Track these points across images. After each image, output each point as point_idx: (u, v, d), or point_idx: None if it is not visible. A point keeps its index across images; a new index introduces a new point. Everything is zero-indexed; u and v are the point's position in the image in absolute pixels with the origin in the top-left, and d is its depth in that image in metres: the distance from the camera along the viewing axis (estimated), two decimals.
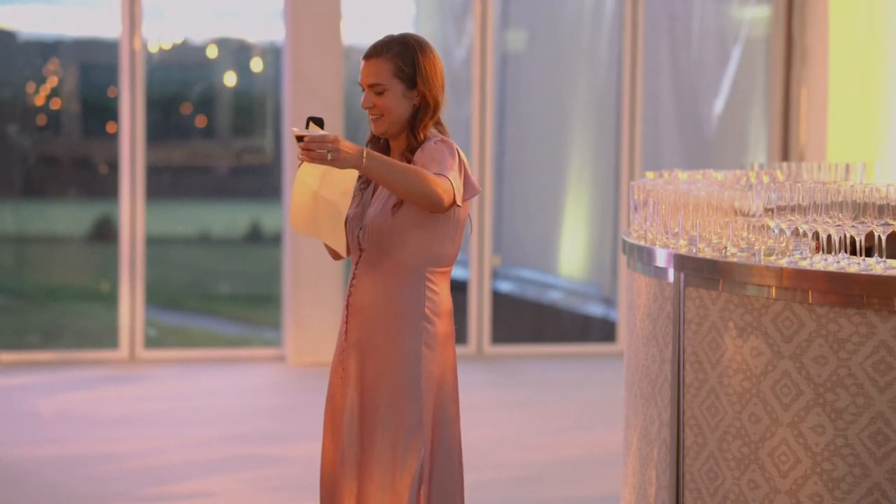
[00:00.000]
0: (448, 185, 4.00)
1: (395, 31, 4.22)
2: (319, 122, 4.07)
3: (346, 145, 3.89)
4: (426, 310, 4.18)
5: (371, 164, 3.91)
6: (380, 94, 4.13)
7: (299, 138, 3.87)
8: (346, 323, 4.26)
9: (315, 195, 4.17)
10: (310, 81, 10.00)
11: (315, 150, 3.87)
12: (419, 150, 4.14)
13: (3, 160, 10.52)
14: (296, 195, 4.19)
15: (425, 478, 4.21)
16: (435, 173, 4.00)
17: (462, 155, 4.13)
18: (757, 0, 11.13)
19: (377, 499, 4.20)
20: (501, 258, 11.27)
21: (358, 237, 4.23)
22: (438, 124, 4.21)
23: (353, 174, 4.18)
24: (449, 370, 4.25)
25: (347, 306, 4.27)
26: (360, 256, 4.24)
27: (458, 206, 4.14)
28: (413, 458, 4.17)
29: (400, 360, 4.16)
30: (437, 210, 4.02)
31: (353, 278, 4.26)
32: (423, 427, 4.17)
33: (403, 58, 4.13)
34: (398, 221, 4.14)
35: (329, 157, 3.87)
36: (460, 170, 4.09)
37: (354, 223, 4.25)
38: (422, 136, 4.16)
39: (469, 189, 4.14)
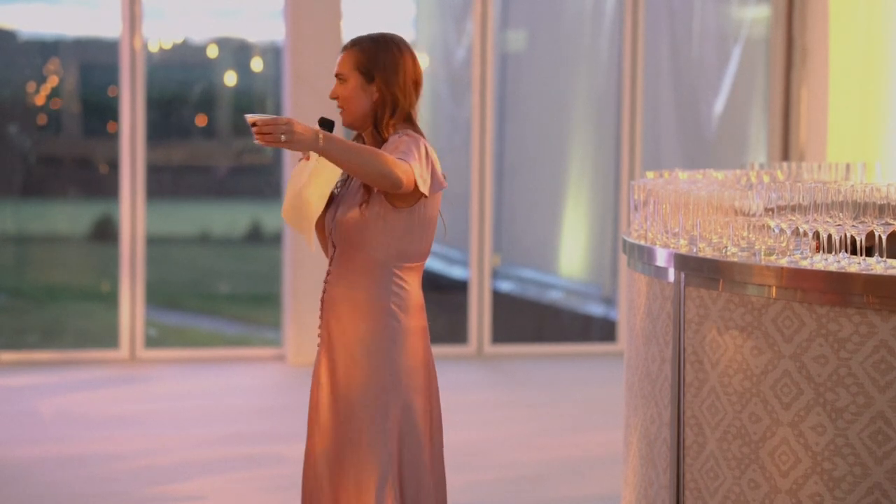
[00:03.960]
0: (409, 168, 4.04)
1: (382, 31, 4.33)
2: (330, 125, 4.18)
3: (301, 127, 3.94)
4: (392, 305, 4.23)
5: (328, 146, 3.97)
6: (342, 84, 4.25)
7: (253, 124, 3.95)
8: (321, 319, 4.32)
9: (299, 193, 4.26)
10: (310, 81, 10.00)
11: (270, 133, 3.92)
12: (384, 145, 4.20)
13: (4, 160, 10.52)
14: (287, 189, 4.33)
15: (394, 475, 4.22)
16: (398, 158, 4.06)
17: (430, 150, 4.17)
18: (757, 0, 11.13)
19: (345, 498, 4.22)
20: (501, 258, 11.27)
21: (331, 234, 4.31)
22: (411, 125, 4.26)
23: (336, 178, 4.28)
24: (420, 366, 4.27)
25: (322, 303, 4.33)
26: (333, 253, 4.31)
27: (424, 196, 4.18)
28: (375, 457, 4.19)
29: (364, 356, 4.21)
30: (396, 190, 4.05)
31: (327, 275, 4.32)
32: (387, 424, 4.20)
33: (367, 52, 4.22)
34: (365, 217, 4.19)
35: (283, 138, 3.92)
36: (427, 163, 4.13)
37: (328, 221, 4.32)
38: (386, 133, 4.23)
39: (436, 183, 4.18)
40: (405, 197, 4.15)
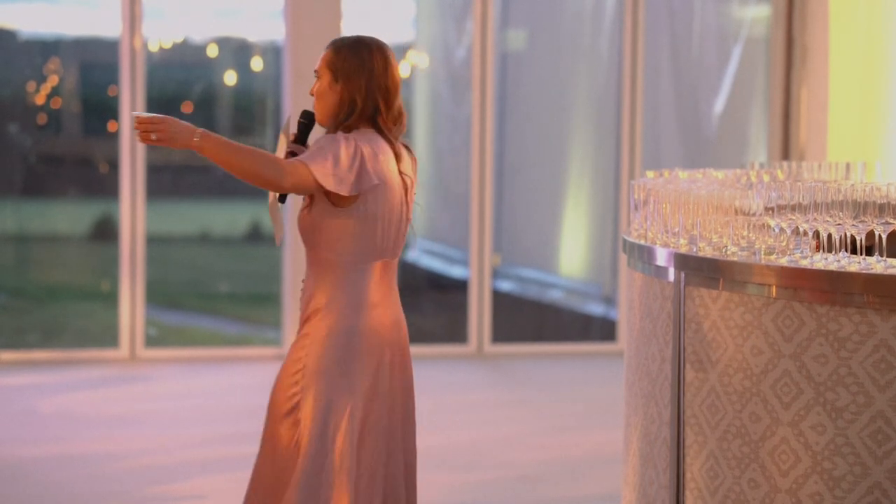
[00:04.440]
0: (296, 170, 4.13)
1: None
2: (310, 117, 4.35)
3: (176, 127, 4.10)
4: (342, 303, 4.31)
5: (204, 144, 4.10)
6: (317, 81, 4.36)
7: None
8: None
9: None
10: (310, 81, 9.99)
11: (146, 132, 4.09)
12: None
13: (4, 159, 10.52)
14: None
15: (327, 480, 4.30)
16: (299, 161, 4.16)
17: (364, 150, 4.23)
18: (757, 0, 11.12)
19: (288, 496, 4.35)
20: (502, 257, 11.28)
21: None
22: (373, 126, 4.33)
23: None
24: (365, 368, 4.31)
25: (300, 302, 4.48)
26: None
27: (348, 195, 4.23)
28: (296, 451, 4.34)
29: (312, 353, 4.34)
30: (276, 190, 4.19)
31: (305, 276, 4.46)
32: (328, 424, 4.28)
33: (338, 53, 4.32)
34: (313, 218, 4.30)
35: (153, 137, 4.09)
36: (352, 162, 4.20)
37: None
38: (345, 132, 4.32)
39: (362, 182, 4.23)
40: (342, 197, 4.23)
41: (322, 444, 4.29)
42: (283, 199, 4.40)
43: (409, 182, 4.38)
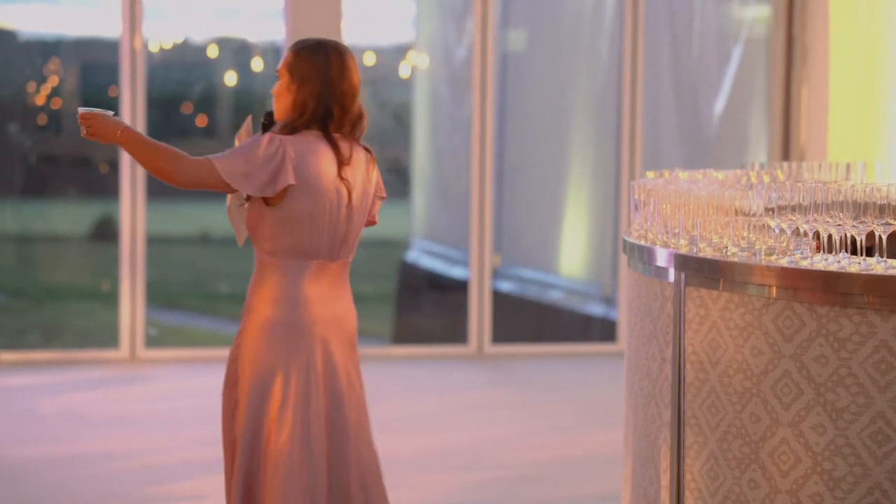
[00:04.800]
0: (196, 167, 4.32)
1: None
2: (270, 117, 4.56)
3: (102, 122, 4.31)
4: (262, 297, 4.47)
5: (123, 140, 4.33)
6: (278, 81, 4.51)
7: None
8: None
9: None
10: None
11: (81, 126, 4.34)
12: None
13: (4, 160, 10.52)
14: None
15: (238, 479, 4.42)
16: (206, 158, 4.35)
17: (289, 151, 4.35)
18: (757, 0, 11.13)
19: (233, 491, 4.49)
20: (502, 258, 11.27)
21: None
22: (321, 128, 4.46)
23: None
24: (272, 359, 4.42)
25: None
26: None
27: (255, 195, 4.38)
28: (227, 447, 4.50)
29: (245, 347, 4.48)
30: (168, 182, 4.34)
31: None
32: (237, 413, 4.45)
33: (297, 55, 4.47)
34: (252, 214, 4.49)
35: (83, 131, 4.32)
36: (267, 162, 4.33)
37: None
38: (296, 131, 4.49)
39: (274, 181, 4.35)
40: (273, 196, 4.37)
41: (255, 437, 4.40)
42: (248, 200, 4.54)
43: (348, 187, 4.46)
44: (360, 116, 4.52)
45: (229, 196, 4.69)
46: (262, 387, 4.40)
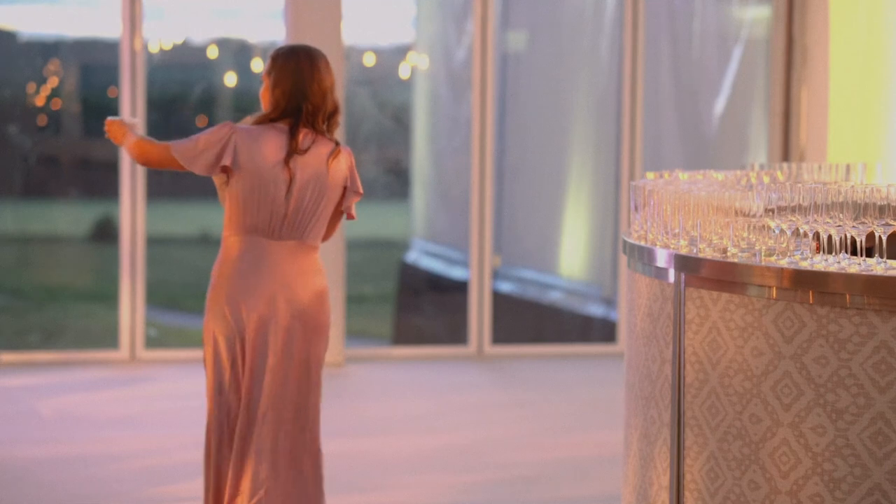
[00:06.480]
0: (161, 151, 5.08)
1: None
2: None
3: (113, 130, 5.20)
4: (215, 267, 5.24)
5: (126, 143, 5.15)
6: (262, 84, 5.19)
7: None
8: None
9: None
10: None
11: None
12: None
13: (4, 160, 10.52)
14: None
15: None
16: (169, 143, 5.09)
17: (237, 138, 5.03)
18: (757, 0, 11.13)
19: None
20: (502, 258, 11.27)
21: None
22: (293, 125, 5.10)
23: None
24: (218, 319, 5.41)
25: None
26: None
27: (199, 173, 5.10)
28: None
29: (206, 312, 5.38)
30: (142, 164, 5.17)
31: None
32: (207, 368, 5.56)
33: (274, 60, 5.14)
34: (223, 191, 5.25)
35: (106, 136, 5.22)
36: (211, 145, 5.02)
37: None
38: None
39: (216, 162, 5.04)
40: (227, 175, 5.08)
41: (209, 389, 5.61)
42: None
43: (290, 173, 5.04)
44: (334, 111, 5.15)
45: (218, 190, 5.31)
46: (206, 343, 5.54)
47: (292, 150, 5.04)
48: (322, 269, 5.21)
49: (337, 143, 5.15)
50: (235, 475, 5.30)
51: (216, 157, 5.01)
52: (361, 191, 5.22)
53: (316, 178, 5.08)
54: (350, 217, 5.23)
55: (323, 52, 5.20)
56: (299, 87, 5.07)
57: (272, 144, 5.05)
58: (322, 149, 5.10)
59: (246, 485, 5.25)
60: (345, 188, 5.18)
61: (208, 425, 5.47)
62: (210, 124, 11.25)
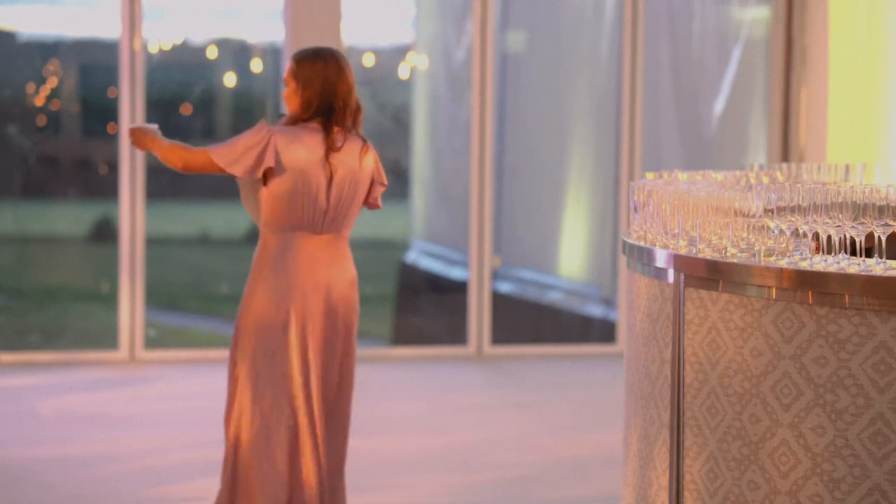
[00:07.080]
0: (195, 155, 5.26)
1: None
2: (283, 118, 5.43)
3: (137, 137, 5.40)
4: (255, 262, 5.39)
5: (153, 148, 5.37)
6: (285, 87, 5.37)
7: None
8: None
9: None
10: None
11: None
12: None
13: (3, 160, 10.52)
14: None
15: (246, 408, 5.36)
16: (205, 147, 5.26)
17: (277, 139, 5.22)
18: (757, 1, 11.13)
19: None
20: (501, 259, 11.27)
21: None
22: (320, 120, 5.32)
23: None
24: (265, 316, 5.32)
25: None
26: None
27: (241, 175, 5.26)
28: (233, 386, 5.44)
29: (243, 313, 5.42)
30: (177, 169, 5.31)
31: None
32: (240, 373, 5.36)
33: (299, 64, 5.33)
34: (261, 192, 5.35)
35: (130, 141, 5.44)
36: (251, 147, 5.20)
37: None
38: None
39: (258, 164, 5.21)
40: (267, 176, 5.26)
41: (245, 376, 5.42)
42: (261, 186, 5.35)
43: (331, 169, 5.27)
44: (358, 109, 5.39)
45: (242, 189, 5.45)
46: (264, 337, 5.33)
47: (330, 148, 5.29)
48: (351, 256, 5.47)
49: (364, 140, 5.43)
50: (295, 461, 5.36)
51: (257, 159, 5.21)
52: (386, 182, 5.55)
53: (351, 174, 5.35)
54: (376, 206, 5.52)
55: (343, 54, 5.46)
56: (329, 87, 5.30)
57: (309, 143, 5.28)
58: (353, 145, 5.37)
59: (310, 470, 5.32)
60: (372, 181, 5.47)
61: (246, 420, 5.36)
62: (209, 125, 11.26)
